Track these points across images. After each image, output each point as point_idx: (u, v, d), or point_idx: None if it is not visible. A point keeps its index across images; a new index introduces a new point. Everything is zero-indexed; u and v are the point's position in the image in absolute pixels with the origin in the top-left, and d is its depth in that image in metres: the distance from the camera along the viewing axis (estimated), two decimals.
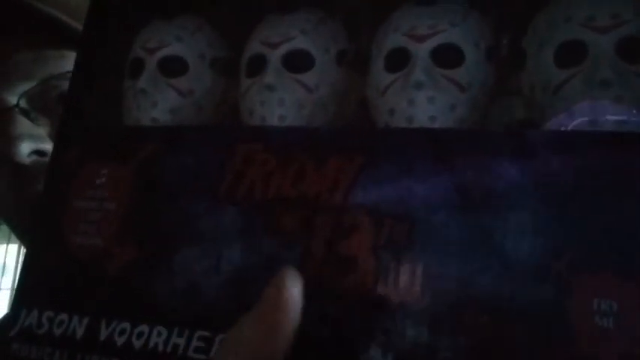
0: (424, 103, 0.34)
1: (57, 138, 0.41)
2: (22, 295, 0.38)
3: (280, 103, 0.37)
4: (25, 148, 0.53)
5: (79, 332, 0.35)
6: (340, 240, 0.31)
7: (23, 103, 0.53)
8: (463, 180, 0.30)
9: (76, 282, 0.37)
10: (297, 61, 0.38)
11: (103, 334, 0.34)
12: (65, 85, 0.48)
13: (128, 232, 0.36)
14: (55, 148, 0.41)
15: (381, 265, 0.30)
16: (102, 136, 0.40)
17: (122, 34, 0.43)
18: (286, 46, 0.38)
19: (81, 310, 0.35)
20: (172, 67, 0.41)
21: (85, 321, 0.35)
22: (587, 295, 0.27)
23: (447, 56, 0.34)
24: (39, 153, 0.54)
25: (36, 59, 0.47)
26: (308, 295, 0.30)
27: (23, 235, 0.57)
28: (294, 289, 0.28)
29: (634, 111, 0.30)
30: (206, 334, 0.32)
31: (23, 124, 0.53)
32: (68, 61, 0.54)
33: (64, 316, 0.36)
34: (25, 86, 0.53)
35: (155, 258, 0.35)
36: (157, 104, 0.41)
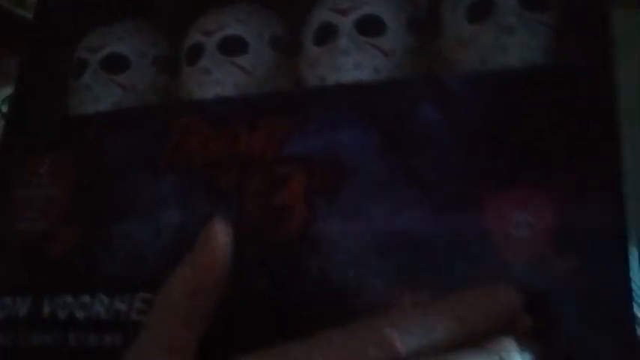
0: (351, 69, 0.36)
1: (2, 142, 0.42)
2: None
3: (216, 83, 0.39)
4: None
5: (22, 312, 0.35)
6: (274, 192, 0.32)
7: (4, 109, 0.54)
8: (387, 126, 0.32)
9: (19, 265, 0.37)
10: (232, 46, 0.40)
11: (46, 310, 0.34)
12: None
13: (72, 213, 0.37)
14: (1, 150, 0.42)
15: (312, 210, 0.31)
16: (43, 128, 0.41)
17: (65, 43, 0.45)
18: (221, 33, 0.41)
19: (25, 291, 0.35)
20: (114, 64, 0.43)
21: (28, 300, 0.35)
22: (503, 211, 0.28)
23: (369, 26, 0.37)
24: None
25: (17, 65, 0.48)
26: (248, 246, 0.31)
27: None
28: (221, 236, 0.29)
29: None
30: (147, 295, 0.32)
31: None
32: None
33: (7, 300, 0.36)
34: (8, 91, 0.54)
35: (97, 232, 0.35)
36: (99, 99, 0.42)
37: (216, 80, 0.39)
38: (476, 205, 0.28)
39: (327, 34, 0.37)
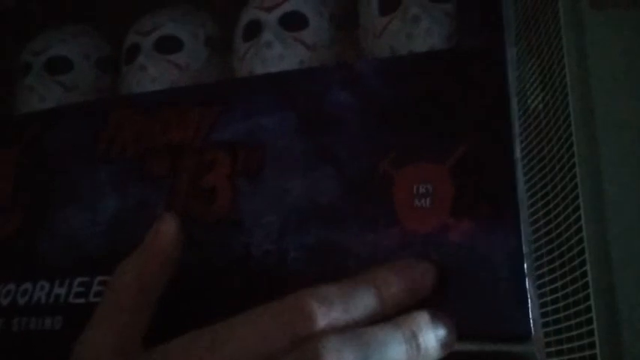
0: (276, 62, 0.39)
1: None
2: None
3: (153, 80, 0.41)
4: None
5: None
6: (202, 175, 0.34)
7: None
8: (302, 109, 0.34)
9: None
10: (168, 45, 0.42)
11: None
12: None
13: (14, 205, 0.38)
14: None
15: (237, 190, 0.33)
16: None
17: (11, 46, 0.47)
18: (157, 33, 0.43)
19: None
20: (57, 66, 0.45)
21: None
22: (407, 183, 0.31)
23: (293, 21, 0.39)
24: None
25: None
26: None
27: None
28: (169, 227, 0.30)
29: None
30: (85, 279, 0.34)
31: None
32: None
33: None
34: None
35: (36, 220, 0.37)
36: (44, 99, 0.44)
37: (153, 77, 0.42)
38: (385, 180, 0.31)
39: (253, 30, 0.40)
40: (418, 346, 0.25)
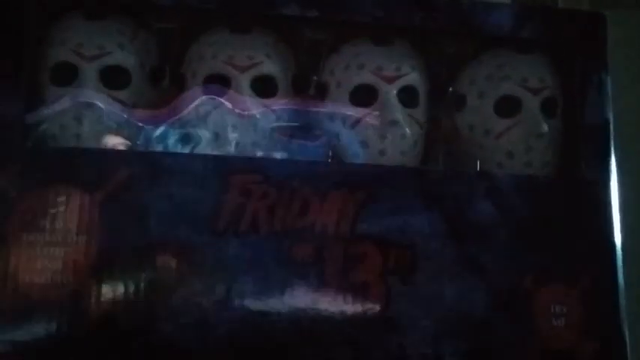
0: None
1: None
2: None
3: None
4: None
5: None
6: (352, 268, 0.35)
7: None
8: (450, 214, 0.36)
9: (46, 321, 0.33)
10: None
11: None
12: None
13: (107, 267, 0.34)
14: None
15: (390, 289, 0.35)
16: (51, 157, 0.35)
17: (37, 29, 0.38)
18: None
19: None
20: (117, 78, 0.38)
21: None
22: (546, 303, 0.36)
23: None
24: None
25: None
26: (328, 319, 0.34)
27: None
28: None
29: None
30: None
31: None
32: None
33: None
34: None
35: (155, 293, 0.34)
36: (101, 119, 0.38)
37: None
38: (526, 297, 0.36)
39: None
40: None
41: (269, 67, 0.39)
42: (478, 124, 0.41)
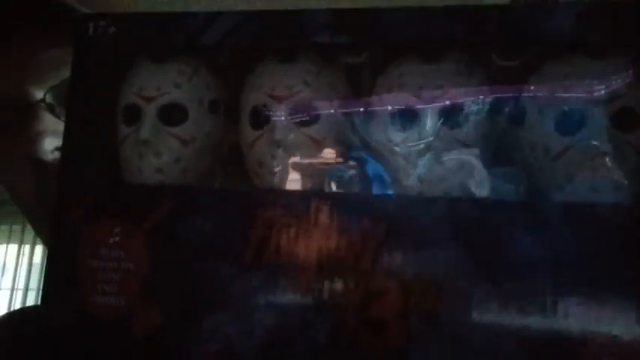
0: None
1: (58, 195, 0.40)
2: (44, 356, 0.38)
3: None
4: (48, 145, 0.52)
5: None
6: (370, 304, 0.34)
7: (49, 98, 0.52)
8: (482, 250, 0.33)
9: (98, 342, 0.37)
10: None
11: None
12: None
13: (150, 292, 0.37)
14: (58, 205, 0.40)
15: (411, 329, 0.33)
16: (110, 194, 0.40)
17: (109, 78, 0.43)
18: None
19: None
20: (174, 115, 0.42)
21: None
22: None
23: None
24: None
25: (67, 55, 0.45)
26: (345, 354, 0.33)
27: (41, 232, 0.56)
28: None
29: None
30: None
31: (48, 120, 0.52)
32: None
33: None
34: (53, 81, 0.52)
35: (183, 321, 0.36)
36: (160, 155, 0.41)
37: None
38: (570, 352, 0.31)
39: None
40: None
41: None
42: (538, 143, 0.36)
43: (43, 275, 0.40)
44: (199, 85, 0.42)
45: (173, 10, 0.44)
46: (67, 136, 0.41)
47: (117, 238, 0.38)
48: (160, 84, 0.41)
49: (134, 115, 0.42)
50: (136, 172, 0.41)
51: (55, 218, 0.40)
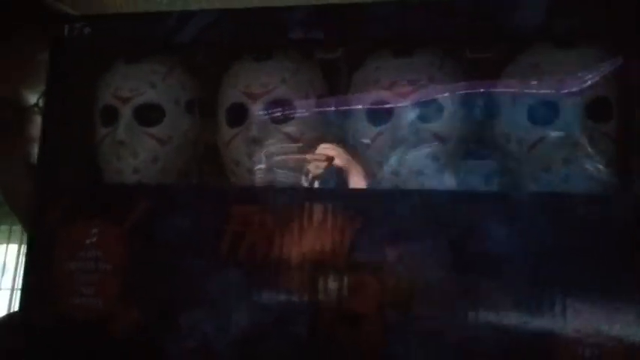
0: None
1: (35, 198, 0.40)
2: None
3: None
4: None
5: None
6: (348, 298, 0.34)
7: (42, 103, 0.52)
8: (458, 242, 0.33)
9: (78, 344, 0.37)
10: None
11: None
12: None
13: (128, 292, 0.37)
14: (34, 206, 0.40)
15: (386, 321, 0.33)
16: (87, 194, 0.40)
17: (85, 79, 0.43)
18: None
19: None
20: (150, 115, 0.41)
21: None
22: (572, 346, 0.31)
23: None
24: None
25: None
26: (321, 350, 0.33)
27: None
28: None
29: None
30: None
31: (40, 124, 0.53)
32: None
33: None
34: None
35: (162, 320, 0.36)
36: (137, 155, 0.41)
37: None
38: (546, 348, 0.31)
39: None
40: None
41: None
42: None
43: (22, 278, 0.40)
44: (174, 85, 0.42)
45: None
46: (44, 137, 0.41)
47: (94, 239, 0.38)
48: (135, 84, 0.41)
49: (111, 115, 0.42)
50: (115, 173, 0.41)
51: (32, 219, 0.40)
